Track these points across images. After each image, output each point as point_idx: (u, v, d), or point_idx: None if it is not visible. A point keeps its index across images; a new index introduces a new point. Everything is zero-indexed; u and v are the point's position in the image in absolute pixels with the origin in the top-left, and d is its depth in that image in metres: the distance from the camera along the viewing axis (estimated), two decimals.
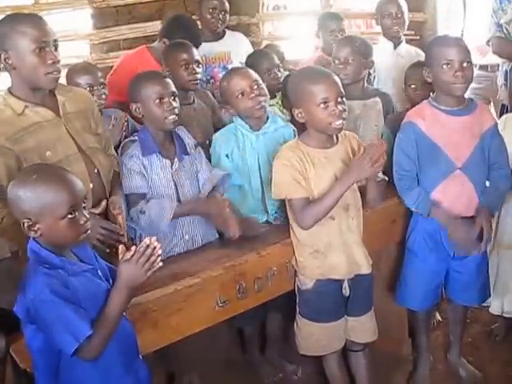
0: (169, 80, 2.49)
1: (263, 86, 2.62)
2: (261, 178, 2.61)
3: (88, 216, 1.76)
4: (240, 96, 2.56)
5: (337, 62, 2.95)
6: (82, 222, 1.73)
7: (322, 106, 2.24)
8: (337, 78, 2.33)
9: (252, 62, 3.22)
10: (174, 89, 2.47)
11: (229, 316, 2.34)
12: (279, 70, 3.20)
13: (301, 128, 2.68)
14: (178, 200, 2.45)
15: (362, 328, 2.51)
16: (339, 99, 2.26)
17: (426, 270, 2.65)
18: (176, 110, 2.42)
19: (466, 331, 2.96)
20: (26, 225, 1.70)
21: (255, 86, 2.57)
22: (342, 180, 2.25)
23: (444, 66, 2.47)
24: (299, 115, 2.31)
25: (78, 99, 2.28)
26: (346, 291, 2.43)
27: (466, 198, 2.57)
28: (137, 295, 1.99)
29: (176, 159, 2.47)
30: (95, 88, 2.76)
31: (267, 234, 2.52)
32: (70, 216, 1.71)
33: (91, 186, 2.16)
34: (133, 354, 1.90)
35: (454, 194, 2.56)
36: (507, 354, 2.96)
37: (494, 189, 2.62)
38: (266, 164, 2.59)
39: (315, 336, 2.46)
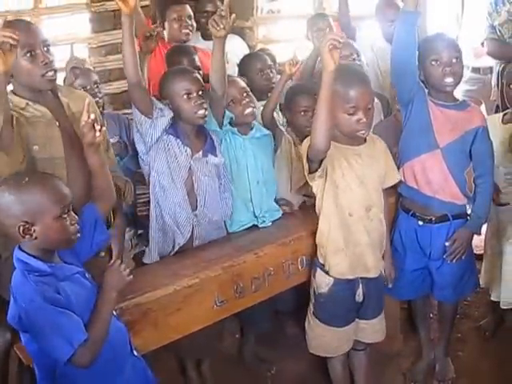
0: (196, 75, 2.51)
1: (251, 93, 2.67)
2: (249, 180, 2.64)
3: (76, 218, 1.79)
4: (231, 104, 2.59)
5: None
6: (73, 222, 1.77)
7: (351, 111, 2.24)
8: (369, 83, 2.33)
9: (245, 63, 3.28)
10: (201, 84, 2.48)
11: (226, 315, 2.39)
12: (271, 71, 3.27)
13: (298, 131, 2.76)
14: (193, 190, 2.48)
15: (371, 330, 2.55)
16: (369, 106, 2.26)
17: (402, 266, 2.70)
18: (204, 105, 2.44)
19: (456, 327, 3.00)
20: (21, 229, 1.69)
21: (245, 94, 2.61)
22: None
23: (433, 63, 2.51)
24: None
25: (79, 100, 2.26)
26: (360, 297, 2.46)
27: (443, 180, 2.60)
28: (135, 297, 2.08)
29: (200, 152, 2.48)
30: (88, 88, 2.83)
31: (265, 235, 2.58)
32: (64, 215, 1.74)
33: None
34: (126, 352, 1.92)
35: (432, 172, 2.60)
36: (496, 348, 3.02)
37: (482, 199, 2.64)
38: (255, 168, 2.64)
39: (326, 338, 2.49)
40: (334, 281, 2.41)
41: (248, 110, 2.61)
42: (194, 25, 3.58)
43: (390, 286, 2.61)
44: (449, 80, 2.52)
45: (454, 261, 2.65)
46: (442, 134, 2.59)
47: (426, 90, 2.62)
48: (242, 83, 2.69)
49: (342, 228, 2.37)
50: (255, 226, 2.66)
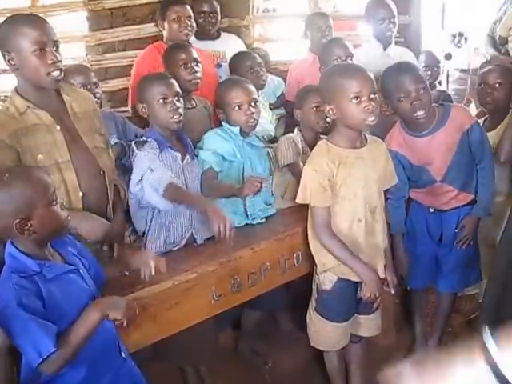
0: (173, 81, 2.52)
1: (259, 102, 2.69)
2: (243, 180, 2.65)
3: (63, 203, 1.80)
4: (236, 108, 2.61)
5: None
6: (62, 207, 1.77)
7: (355, 101, 2.21)
8: (371, 74, 2.31)
9: (235, 61, 3.34)
10: (178, 89, 2.51)
11: (224, 309, 2.40)
12: (261, 69, 3.32)
13: (311, 128, 2.81)
14: None
15: (367, 324, 2.59)
16: (372, 95, 2.23)
17: (412, 252, 2.74)
18: (180, 110, 2.46)
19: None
20: (18, 225, 1.66)
21: (253, 103, 2.62)
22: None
23: (401, 99, 2.50)
24: (330, 112, 2.28)
25: (81, 99, 2.31)
26: (361, 293, 2.46)
27: (447, 199, 2.67)
28: (134, 291, 2.09)
29: (188, 156, 2.52)
30: (88, 87, 2.81)
31: (261, 231, 2.62)
32: (53, 202, 1.73)
33: (81, 194, 2.17)
34: (112, 354, 1.88)
35: (439, 196, 2.67)
36: None
37: (485, 184, 2.68)
38: (249, 170, 2.67)
39: (327, 333, 2.53)
40: (337, 278, 2.43)
41: (251, 123, 2.63)
42: (194, 25, 3.59)
43: (393, 291, 2.61)
44: (420, 113, 2.51)
45: (464, 247, 2.71)
46: (435, 167, 2.62)
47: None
48: (253, 92, 2.68)
49: (349, 235, 2.36)
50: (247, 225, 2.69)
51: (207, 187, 2.58)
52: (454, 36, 3.96)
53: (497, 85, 2.90)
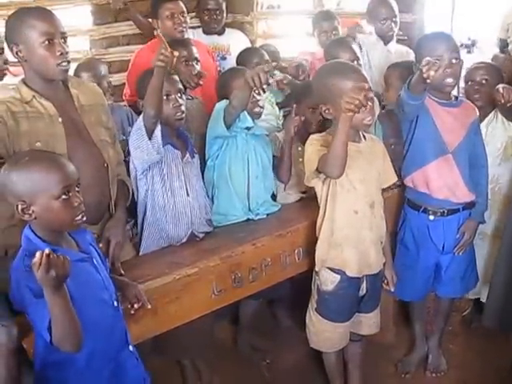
0: (176, 77, 2.51)
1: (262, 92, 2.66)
2: (249, 175, 2.66)
3: (82, 199, 1.77)
4: None
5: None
6: (76, 204, 1.74)
7: None
8: (364, 72, 2.33)
9: (242, 57, 3.32)
10: (180, 86, 2.49)
11: (224, 304, 2.42)
12: None
13: (305, 127, 2.78)
14: (187, 193, 2.49)
15: (368, 323, 2.59)
16: (369, 93, 2.22)
17: (415, 264, 2.74)
18: (182, 107, 2.45)
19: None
20: (20, 207, 1.70)
21: (257, 91, 2.57)
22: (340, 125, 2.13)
23: None
24: (326, 112, 2.29)
25: (89, 93, 2.32)
26: (363, 292, 2.48)
27: (453, 183, 2.65)
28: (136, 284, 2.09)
29: (188, 154, 2.50)
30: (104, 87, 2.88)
31: (263, 227, 2.61)
32: (64, 197, 1.71)
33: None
34: (120, 344, 1.90)
35: (444, 177, 2.64)
36: (485, 341, 3.06)
37: (481, 187, 2.71)
38: (255, 162, 2.67)
39: (328, 334, 2.51)
40: (340, 278, 2.42)
41: (256, 109, 2.62)
42: (188, 21, 3.57)
43: (393, 289, 2.63)
44: (449, 80, 2.54)
45: (461, 253, 2.72)
46: (450, 136, 2.62)
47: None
48: None
49: (342, 224, 2.38)
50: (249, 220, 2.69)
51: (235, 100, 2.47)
52: (466, 45, 3.97)
53: (484, 81, 2.94)
